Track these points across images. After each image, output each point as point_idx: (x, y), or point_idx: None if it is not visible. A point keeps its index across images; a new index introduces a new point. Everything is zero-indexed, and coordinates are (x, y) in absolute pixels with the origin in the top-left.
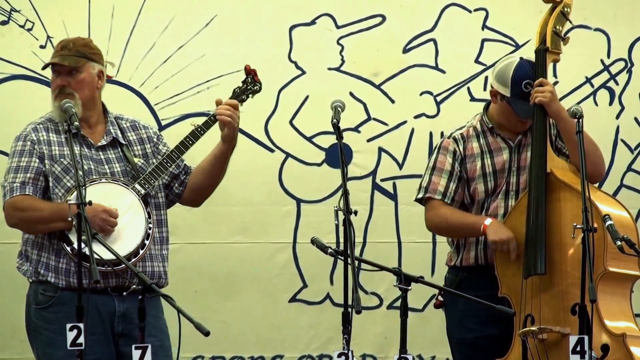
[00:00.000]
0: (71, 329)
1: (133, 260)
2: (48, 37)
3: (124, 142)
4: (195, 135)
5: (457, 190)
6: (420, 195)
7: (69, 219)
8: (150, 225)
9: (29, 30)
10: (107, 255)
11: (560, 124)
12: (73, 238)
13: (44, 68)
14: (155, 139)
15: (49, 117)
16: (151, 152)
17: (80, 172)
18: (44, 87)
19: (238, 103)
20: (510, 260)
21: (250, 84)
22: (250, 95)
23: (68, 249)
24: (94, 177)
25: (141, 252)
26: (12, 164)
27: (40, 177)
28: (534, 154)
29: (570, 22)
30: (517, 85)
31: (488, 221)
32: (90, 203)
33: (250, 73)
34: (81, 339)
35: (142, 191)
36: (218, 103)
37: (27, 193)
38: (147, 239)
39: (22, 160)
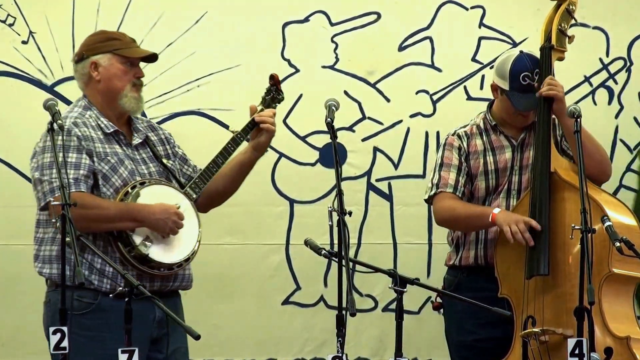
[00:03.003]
0: (54, 333)
1: (185, 264)
2: (30, 32)
3: (152, 141)
4: (236, 141)
5: (465, 184)
6: (432, 192)
7: (53, 220)
8: (201, 230)
9: (10, 25)
10: (166, 259)
11: (564, 121)
12: (137, 239)
13: (147, 59)
14: (172, 140)
15: (80, 112)
16: (171, 153)
17: (64, 173)
18: (26, 84)
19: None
20: (529, 244)
21: (275, 93)
22: (276, 105)
23: (125, 250)
24: (138, 178)
25: (193, 256)
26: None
27: (90, 175)
28: (537, 153)
29: (575, 19)
30: (515, 78)
31: (497, 210)
32: (75, 204)
33: (277, 83)
34: (65, 343)
35: (194, 195)
36: (253, 110)
37: (82, 190)
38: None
39: (70, 156)
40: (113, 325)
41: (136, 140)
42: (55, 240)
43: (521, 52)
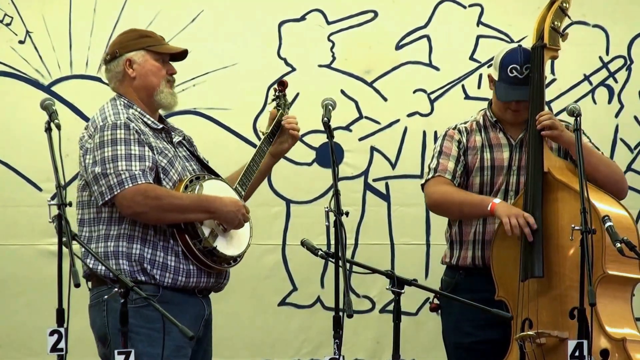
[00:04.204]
0: (51, 334)
1: (239, 260)
2: (27, 32)
3: (185, 141)
4: (268, 142)
5: (461, 176)
6: (429, 176)
7: (49, 220)
8: (252, 226)
9: (7, 25)
10: (229, 252)
11: (574, 150)
12: (206, 231)
13: (178, 56)
14: (194, 144)
15: (124, 110)
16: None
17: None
18: (23, 84)
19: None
20: (529, 239)
21: (283, 100)
22: (287, 111)
23: (191, 242)
24: (188, 174)
25: (245, 252)
26: (119, 151)
27: (154, 168)
28: (530, 152)
29: (569, 17)
30: (503, 69)
31: (497, 200)
32: (70, 204)
33: (283, 89)
34: (62, 344)
35: (242, 192)
36: (273, 115)
37: (150, 182)
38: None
39: (133, 149)
40: (175, 317)
41: (176, 139)
42: (110, 237)
43: (519, 46)
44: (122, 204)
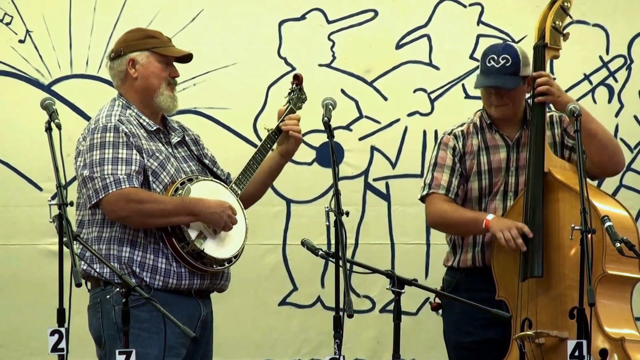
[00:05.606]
0: (52, 334)
1: (234, 261)
2: (27, 31)
3: (187, 141)
4: (272, 139)
5: (459, 185)
6: (424, 192)
7: (50, 220)
8: (248, 227)
9: (7, 24)
10: (219, 255)
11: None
12: (192, 234)
13: (182, 59)
14: (201, 142)
15: (121, 111)
16: (202, 154)
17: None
18: (23, 83)
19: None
20: (521, 249)
21: (299, 93)
22: (301, 105)
23: (179, 246)
24: (183, 175)
25: (241, 252)
26: (107, 155)
27: (141, 171)
28: (531, 153)
29: (571, 17)
30: (483, 60)
31: (490, 216)
32: (72, 204)
33: (300, 83)
34: (62, 344)
35: (239, 192)
36: (281, 112)
37: (135, 186)
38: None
39: (120, 152)
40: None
41: (175, 139)
42: (102, 239)
43: (505, 41)
44: (107, 209)
